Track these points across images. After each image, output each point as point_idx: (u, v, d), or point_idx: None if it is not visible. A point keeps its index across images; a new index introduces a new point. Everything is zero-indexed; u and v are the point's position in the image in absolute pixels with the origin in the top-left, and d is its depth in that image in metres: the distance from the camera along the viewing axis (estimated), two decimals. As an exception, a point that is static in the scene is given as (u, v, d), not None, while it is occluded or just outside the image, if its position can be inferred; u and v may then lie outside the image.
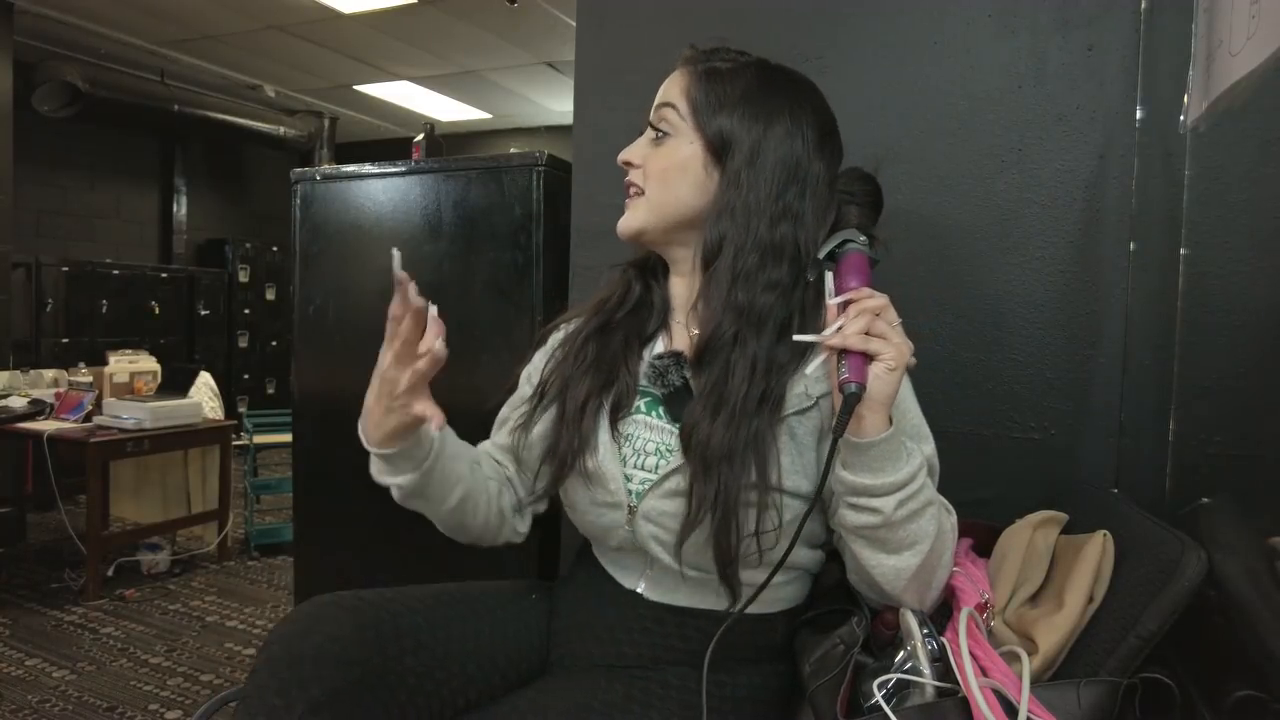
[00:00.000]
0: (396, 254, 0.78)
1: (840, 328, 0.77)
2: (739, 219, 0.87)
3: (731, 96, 0.89)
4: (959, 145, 1.19)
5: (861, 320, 0.76)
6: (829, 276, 0.84)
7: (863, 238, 0.86)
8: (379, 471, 0.91)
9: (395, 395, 0.82)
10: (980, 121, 1.18)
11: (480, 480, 0.97)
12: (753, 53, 0.95)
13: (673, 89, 0.92)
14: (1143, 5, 1.09)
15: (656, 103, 0.93)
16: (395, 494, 0.92)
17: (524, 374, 1.04)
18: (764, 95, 0.89)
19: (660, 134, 0.92)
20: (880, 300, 0.78)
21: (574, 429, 0.91)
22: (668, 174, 0.90)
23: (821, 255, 0.86)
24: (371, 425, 0.87)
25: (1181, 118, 1.05)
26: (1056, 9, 1.13)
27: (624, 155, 0.94)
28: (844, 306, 0.79)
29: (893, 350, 0.76)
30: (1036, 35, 1.15)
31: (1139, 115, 1.10)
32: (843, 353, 0.77)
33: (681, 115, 0.90)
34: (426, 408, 0.82)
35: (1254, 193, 1.01)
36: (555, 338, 1.02)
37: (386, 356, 0.83)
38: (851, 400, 0.75)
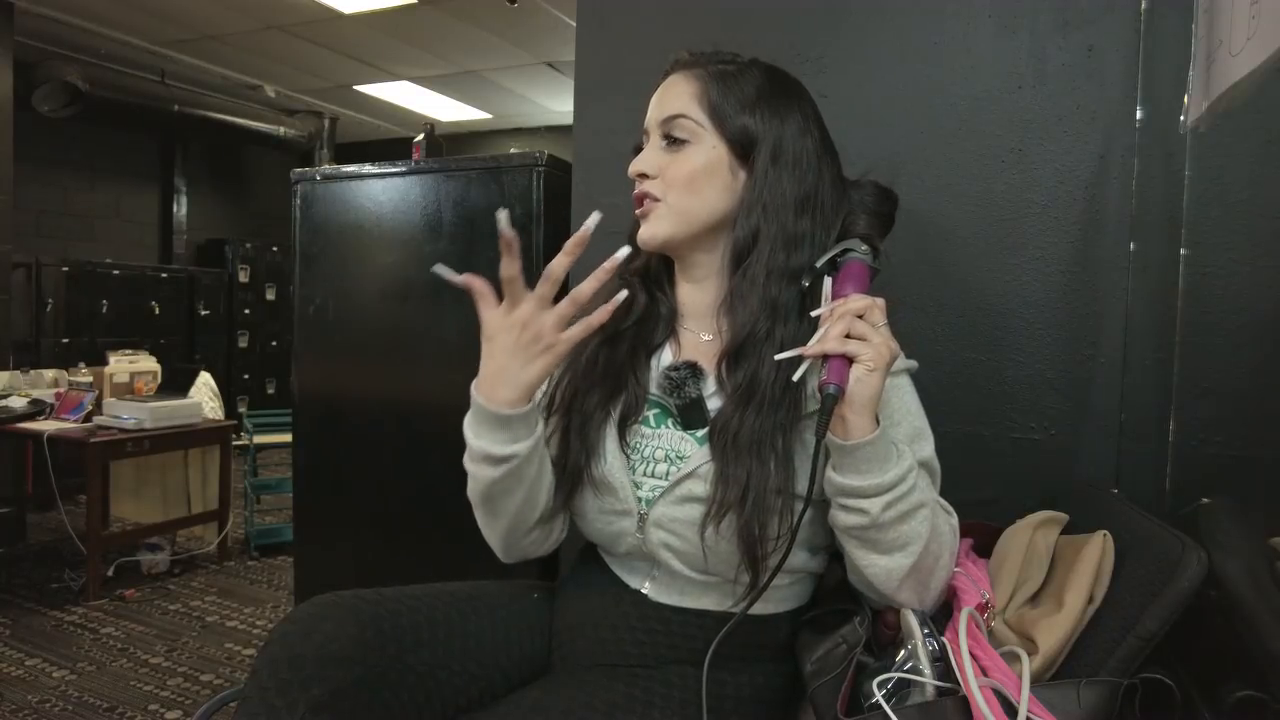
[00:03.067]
0: (503, 214, 0.77)
1: (822, 335, 0.78)
2: (769, 215, 0.87)
3: (749, 96, 0.89)
4: (959, 145, 1.19)
5: (841, 323, 0.78)
6: (827, 283, 0.85)
7: (864, 247, 0.86)
8: (497, 442, 0.83)
9: (542, 336, 0.80)
10: (980, 121, 1.18)
11: (549, 467, 0.93)
12: (754, 53, 0.95)
13: (679, 95, 0.90)
14: (1143, 5, 1.09)
15: (665, 113, 0.91)
16: (497, 472, 0.84)
17: None
18: (776, 93, 0.91)
19: (675, 141, 0.90)
20: (861, 302, 0.79)
21: (580, 439, 0.91)
22: (695, 180, 0.89)
23: (820, 264, 0.86)
24: (506, 382, 0.81)
25: (1181, 118, 1.05)
26: (1056, 9, 1.14)
27: (637, 167, 0.92)
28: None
29: (871, 351, 0.76)
30: (1036, 35, 1.15)
31: (1139, 116, 1.10)
32: (826, 355, 0.78)
33: (697, 121, 0.89)
34: (581, 327, 0.81)
35: (1254, 193, 1.01)
36: None
37: (526, 307, 0.79)
38: (829, 401, 0.76)
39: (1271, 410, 0.97)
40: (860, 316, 0.78)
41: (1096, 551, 0.81)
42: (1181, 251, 1.06)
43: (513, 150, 1.63)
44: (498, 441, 0.83)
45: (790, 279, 0.87)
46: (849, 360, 0.77)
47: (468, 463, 0.87)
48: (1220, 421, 1.02)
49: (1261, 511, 0.87)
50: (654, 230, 0.92)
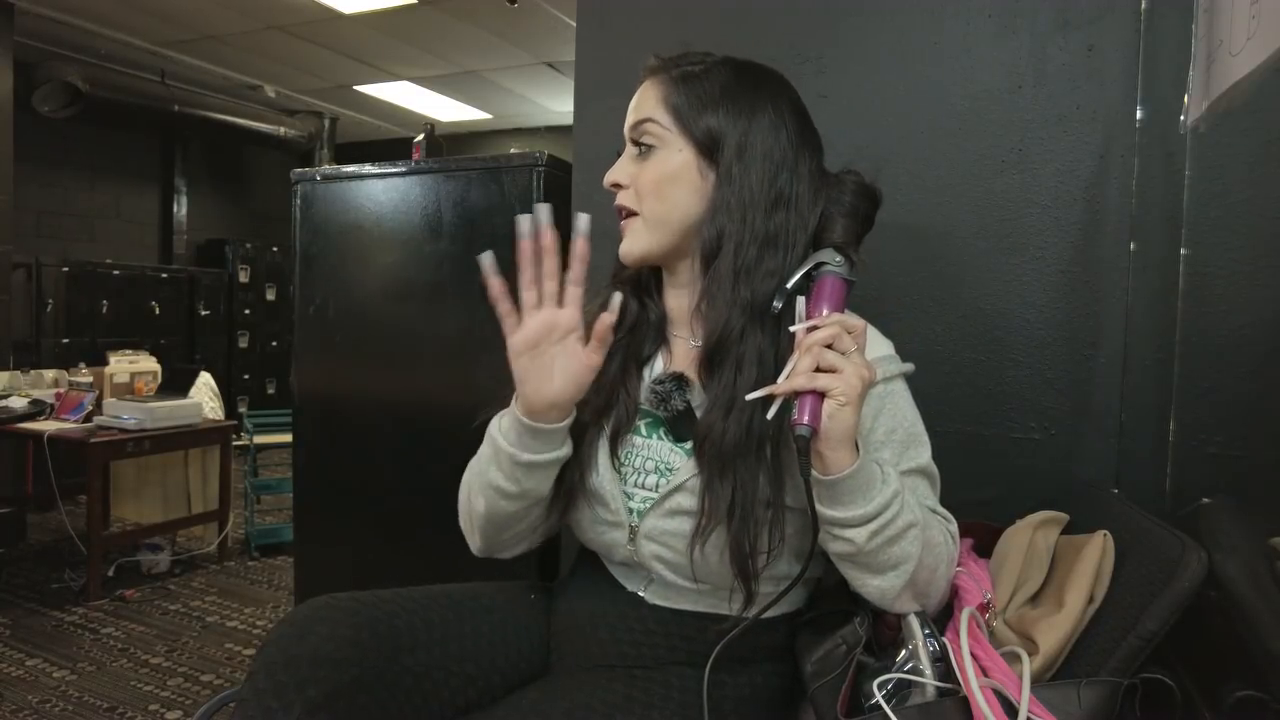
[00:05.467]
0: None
1: (791, 370, 0.75)
2: (735, 214, 0.85)
3: (712, 95, 0.87)
4: (959, 146, 1.19)
5: (809, 356, 0.74)
6: (801, 302, 0.81)
7: (839, 258, 0.83)
8: (543, 446, 0.84)
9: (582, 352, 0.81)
10: (980, 122, 1.18)
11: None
12: (754, 53, 0.94)
13: (647, 101, 0.89)
14: (1143, 5, 1.09)
15: (633, 120, 0.90)
16: (530, 482, 0.86)
17: None
18: (742, 90, 0.88)
19: (645, 148, 0.89)
20: (828, 331, 0.75)
21: (573, 456, 0.90)
22: (662, 186, 0.88)
23: (790, 284, 0.83)
24: (550, 399, 0.81)
25: (1182, 118, 1.05)
26: (1056, 9, 1.13)
27: (611, 177, 0.91)
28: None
29: (842, 384, 0.72)
30: (1036, 35, 1.15)
31: (1139, 115, 1.09)
32: (797, 392, 0.75)
33: (664, 125, 0.88)
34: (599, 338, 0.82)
35: (1254, 193, 1.01)
36: None
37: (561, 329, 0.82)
38: (802, 443, 0.73)
39: (1271, 410, 0.97)
40: (828, 345, 0.74)
41: (1096, 551, 0.81)
42: (1181, 251, 1.05)
43: (513, 150, 1.63)
44: (544, 445, 0.85)
45: (766, 276, 0.84)
46: (821, 395, 0.73)
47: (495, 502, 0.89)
48: (1220, 421, 1.02)
49: (1261, 511, 0.87)
50: (631, 245, 0.91)
